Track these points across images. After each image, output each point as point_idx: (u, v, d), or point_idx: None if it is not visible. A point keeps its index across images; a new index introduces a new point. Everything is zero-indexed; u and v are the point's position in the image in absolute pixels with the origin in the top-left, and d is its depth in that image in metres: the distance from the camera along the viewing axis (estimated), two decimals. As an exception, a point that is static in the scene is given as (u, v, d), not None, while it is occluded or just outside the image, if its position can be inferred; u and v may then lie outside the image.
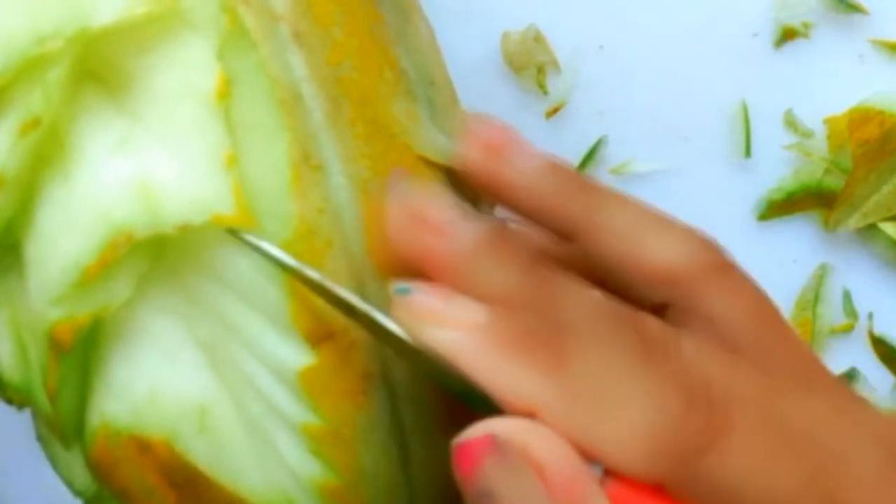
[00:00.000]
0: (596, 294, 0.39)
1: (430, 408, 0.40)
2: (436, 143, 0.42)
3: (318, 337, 0.39)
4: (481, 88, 0.58)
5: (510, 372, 0.36)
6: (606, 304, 0.38)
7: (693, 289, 0.40)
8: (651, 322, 0.38)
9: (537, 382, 0.36)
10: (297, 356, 0.39)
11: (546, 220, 0.41)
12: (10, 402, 0.44)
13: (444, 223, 0.39)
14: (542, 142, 0.58)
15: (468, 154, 0.41)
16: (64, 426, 0.41)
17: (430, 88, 0.43)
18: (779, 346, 0.40)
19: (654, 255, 0.40)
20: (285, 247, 0.38)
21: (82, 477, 0.43)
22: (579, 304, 0.38)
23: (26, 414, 0.45)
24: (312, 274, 0.38)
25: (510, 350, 0.37)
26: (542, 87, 0.58)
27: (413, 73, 0.43)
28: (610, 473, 0.36)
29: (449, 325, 0.37)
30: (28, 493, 0.58)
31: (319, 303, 0.38)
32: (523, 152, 0.41)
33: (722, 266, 0.41)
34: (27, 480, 0.58)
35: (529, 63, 0.58)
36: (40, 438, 0.44)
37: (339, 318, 0.39)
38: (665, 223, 0.41)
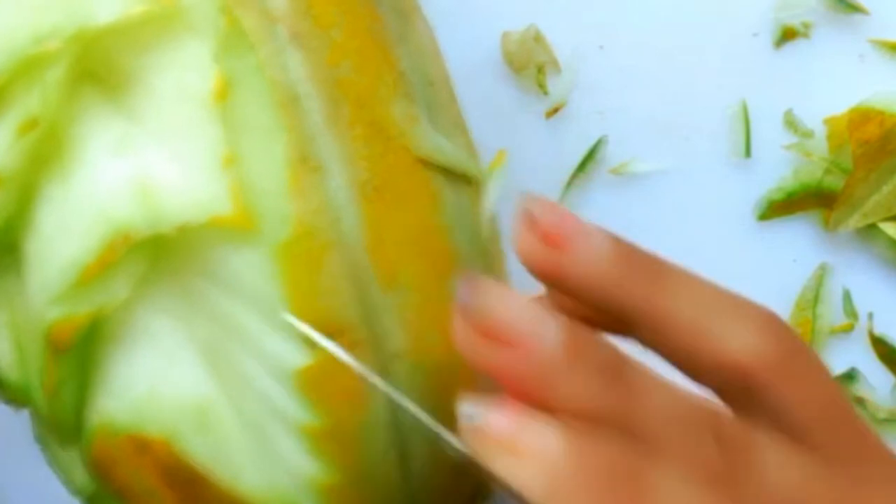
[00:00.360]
0: (674, 393, 0.36)
1: (431, 407, 0.40)
2: (435, 145, 0.42)
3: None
4: (481, 88, 0.58)
5: None
6: (686, 406, 0.36)
7: (765, 381, 0.38)
8: (730, 426, 0.36)
9: None
10: (295, 356, 0.39)
11: (607, 307, 0.38)
12: (8, 401, 0.44)
13: (519, 334, 0.35)
14: (542, 142, 0.58)
15: (526, 246, 0.38)
16: (62, 426, 0.42)
17: (430, 89, 0.44)
18: (853, 443, 0.39)
19: (725, 345, 0.37)
20: (284, 247, 0.38)
21: (80, 477, 0.43)
22: (660, 410, 0.36)
23: (26, 414, 0.45)
24: (382, 384, 0.38)
25: (584, 488, 0.34)
26: (542, 87, 0.58)
27: (412, 75, 0.43)
28: None
29: (521, 457, 0.34)
30: (28, 493, 0.58)
31: (318, 302, 0.38)
32: (587, 241, 0.37)
33: (795, 355, 0.38)
34: (27, 480, 0.58)
35: (529, 63, 0.58)
36: (38, 438, 0.44)
37: (338, 318, 0.39)
38: (737, 309, 0.38)
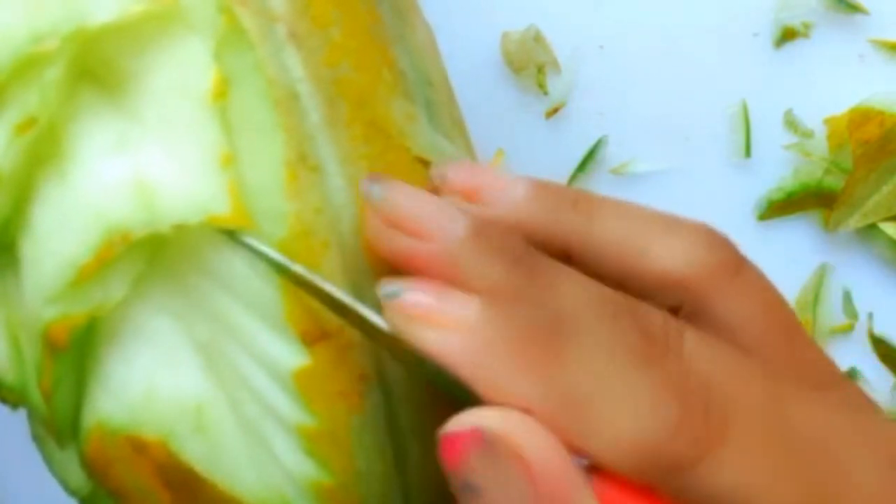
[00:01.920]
0: (593, 284, 0.37)
1: (426, 408, 0.40)
2: (434, 144, 0.42)
3: (313, 337, 0.39)
4: (481, 88, 0.58)
5: (501, 374, 0.35)
6: (605, 295, 0.37)
7: (703, 292, 0.39)
8: (653, 314, 0.37)
9: (529, 385, 0.35)
10: (292, 356, 0.39)
11: (542, 246, 0.39)
12: (5, 401, 0.44)
13: (422, 223, 0.37)
14: (542, 142, 0.58)
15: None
16: (59, 426, 0.41)
17: (429, 89, 0.43)
18: (790, 349, 0.39)
19: (660, 260, 0.39)
20: (281, 246, 0.38)
21: (77, 476, 0.43)
22: (576, 294, 0.37)
23: (25, 413, 0.45)
24: (303, 272, 0.38)
25: (502, 351, 0.36)
26: (542, 87, 0.58)
27: (411, 74, 0.43)
28: (599, 472, 0.36)
29: (438, 326, 0.36)
30: (28, 493, 0.58)
31: (315, 303, 0.38)
32: (501, 186, 0.40)
33: (733, 265, 0.39)
34: (27, 481, 0.58)
35: (529, 63, 0.58)
36: (35, 438, 0.44)
37: (334, 319, 0.39)
38: (669, 224, 0.39)
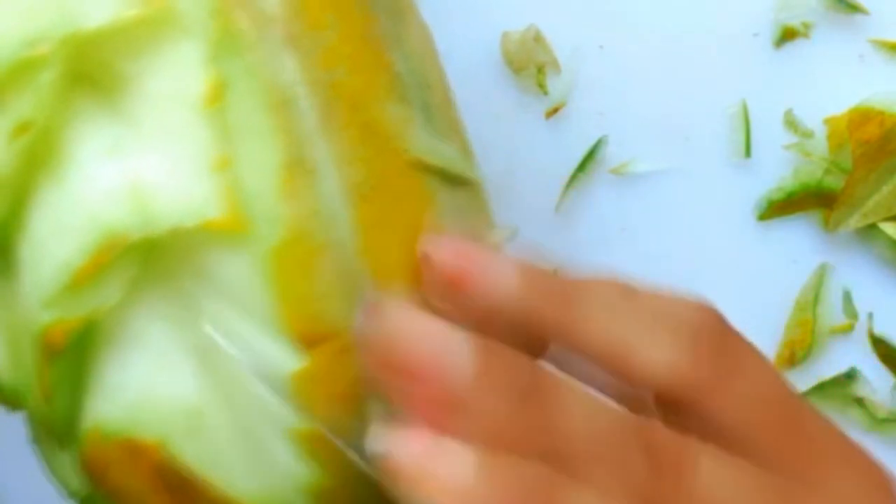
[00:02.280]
0: (596, 407, 0.35)
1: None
2: (430, 147, 0.42)
3: (310, 340, 0.39)
4: (481, 88, 0.58)
5: None
6: (609, 420, 0.35)
7: (692, 397, 0.36)
8: (658, 435, 0.35)
9: None
10: (289, 359, 0.39)
11: (526, 334, 0.37)
12: (2, 404, 0.44)
13: (426, 363, 0.34)
14: (542, 142, 0.58)
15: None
16: (56, 429, 0.42)
17: (426, 91, 0.43)
18: (793, 441, 0.37)
19: (643, 366, 0.36)
20: (278, 250, 0.38)
21: (74, 480, 0.43)
22: (581, 427, 0.34)
23: (23, 416, 0.45)
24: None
25: None
26: (542, 87, 0.58)
27: (408, 77, 0.43)
28: None
29: (432, 486, 0.33)
30: (28, 492, 0.58)
31: (311, 307, 0.38)
32: (488, 278, 0.37)
33: (720, 362, 0.37)
34: (27, 480, 0.58)
35: (529, 63, 0.58)
36: (33, 441, 0.44)
37: (331, 321, 0.39)
38: (654, 320, 0.37)
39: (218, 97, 0.39)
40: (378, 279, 0.39)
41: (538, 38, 0.57)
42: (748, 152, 0.57)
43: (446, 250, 0.38)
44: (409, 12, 0.45)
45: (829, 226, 0.56)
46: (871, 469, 0.38)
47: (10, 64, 0.39)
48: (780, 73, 0.57)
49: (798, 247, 0.57)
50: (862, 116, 0.55)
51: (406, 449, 0.34)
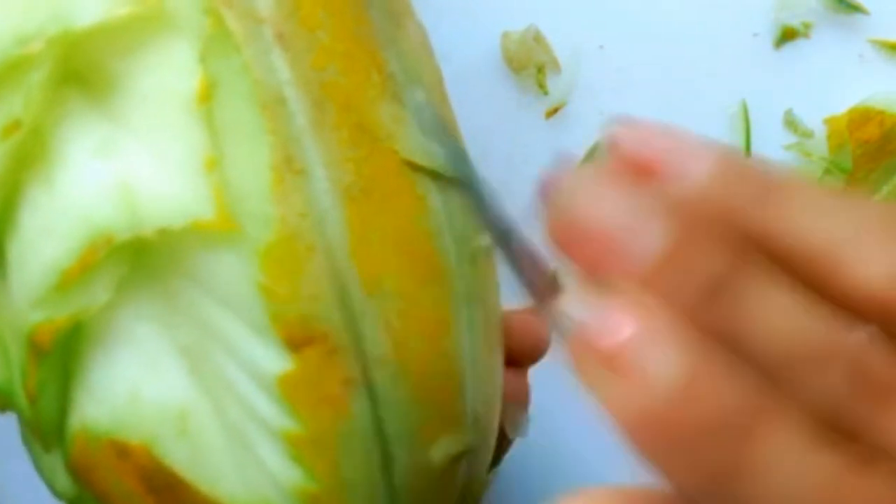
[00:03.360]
0: (806, 311, 0.29)
1: (414, 415, 0.40)
2: (422, 147, 0.42)
3: (297, 342, 0.38)
4: (481, 88, 0.58)
5: (680, 473, 0.28)
6: (817, 330, 0.29)
7: None
8: (878, 360, 0.29)
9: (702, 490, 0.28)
10: (276, 361, 0.38)
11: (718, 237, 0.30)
12: (-7, 404, 0.44)
13: (611, 234, 0.28)
14: (542, 142, 0.58)
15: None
16: (44, 429, 0.41)
17: (420, 92, 0.43)
18: None
19: (865, 270, 0.29)
20: (267, 251, 0.38)
21: (63, 480, 0.43)
22: (780, 329, 0.29)
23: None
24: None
25: (687, 443, 0.27)
26: (542, 87, 0.57)
27: (402, 77, 0.42)
28: None
29: (629, 385, 0.28)
30: (28, 492, 0.58)
31: (300, 307, 0.38)
32: (682, 159, 0.30)
33: None
34: (27, 480, 0.58)
35: (529, 63, 0.57)
36: (24, 440, 0.44)
37: (319, 323, 0.38)
38: (877, 218, 0.30)
39: (208, 97, 0.39)
40: (368, 281, 0.39)
41: (538, 38, 0.57)
42: (748, 152, 0.56)
43: (636, 131, 0.31)
44: (404, 13, 0.45)
45: (829, 227, 0.56)
46: None
47: (1, 62, 0.39)
48: (780, 73, 0.57)
49: (798, 248, 0.57)
50: (862, 116, 0.55)
51: (615, 326, 0.28)
